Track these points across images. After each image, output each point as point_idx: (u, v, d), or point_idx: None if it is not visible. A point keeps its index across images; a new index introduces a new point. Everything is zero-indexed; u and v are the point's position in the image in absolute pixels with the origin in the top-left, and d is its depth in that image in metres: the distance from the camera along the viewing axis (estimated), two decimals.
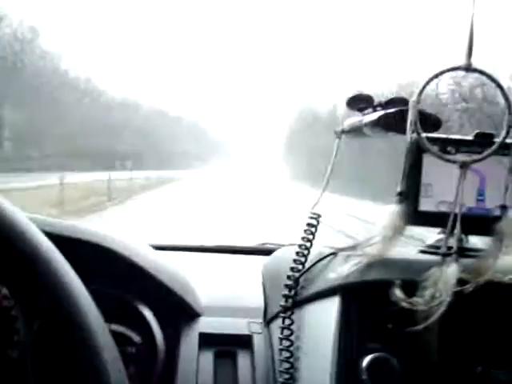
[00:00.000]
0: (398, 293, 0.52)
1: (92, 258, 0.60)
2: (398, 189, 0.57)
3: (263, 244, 1.12)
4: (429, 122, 0.61)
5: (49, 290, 0.36)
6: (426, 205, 0.58)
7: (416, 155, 0.57)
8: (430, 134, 0.57)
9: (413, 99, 0.56)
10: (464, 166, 0.54)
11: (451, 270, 0.52)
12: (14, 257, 0.36)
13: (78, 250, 0.57)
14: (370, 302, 0.56)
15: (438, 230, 0.60)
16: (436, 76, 0.55)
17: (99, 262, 0.61)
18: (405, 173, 0.57)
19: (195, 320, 0.67)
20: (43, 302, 0.36)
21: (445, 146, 0.57)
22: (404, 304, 0.51)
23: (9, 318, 0.54)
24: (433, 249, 0.60)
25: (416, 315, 0.51)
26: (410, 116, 0.55)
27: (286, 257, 0.65)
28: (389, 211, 0.56)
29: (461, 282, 0.52)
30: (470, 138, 0.59)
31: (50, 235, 0.39)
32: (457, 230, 0.54)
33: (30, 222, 0.37)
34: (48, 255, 0.37)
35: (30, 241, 0.36)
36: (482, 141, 0.57)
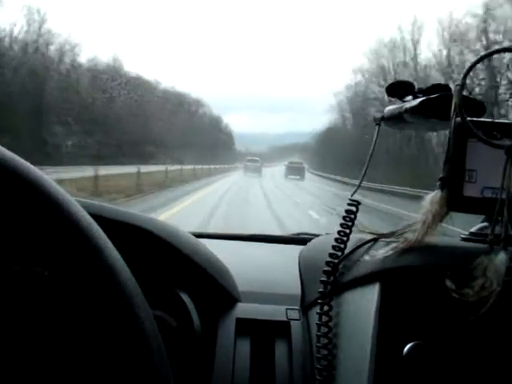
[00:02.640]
0: (448, 283, 0.52)
1: (133, 240, 0.62)
2: (441, 174, 0.57)
3: (298, 234, 1.14)
4: (472, 107, 0.61)
5: (95, 271, 0.37)
6: (470, 191, 0.57)
7: (460, 140, 0.57)
8: (475, 119, 0.57)
9: (457, 82, 0.56)
10: (510, 150, 0.54)
11: (500, 259, 0.52)
12: (60, 239, 0.37)
13: (118, 231, 0.60)
14: (411, 289, 0.56)
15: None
16: (482, 58, 0.55)
17: (140, 245, 0.63)
18: (448, 158, 0.57)
19: (233, 306, 0.69)
20: (87, 283, 0.36)
21: (490, 130, 0.56)
22: (454, 294, 0.51)
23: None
24: (477, 237, 0.60)
25: (461, 304, 0.51)
26: (455, 99, 0.55)
27: (323, 245, 0.66)
28: (431, 197, 0.57)
29: (509, 270, 0.51)
30: None
31: (96, 217, 0.40)
32: (504, 217, 0.54)
33: (78, 204, 0.39)
34: (99, 241, 0.38)
35: (78, 222, 0.37)
36: None
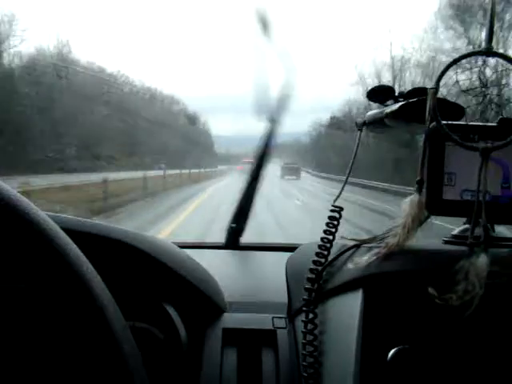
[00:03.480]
0: (430, 290, 0.52)
1: (115, 254, 0.63)
2: (417, 177, 0.58)
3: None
4: (451, 110, 0.62)
5: (69, 288, 0.38)
6: (449, 194, 0.58)
7: (437, 143, 0.58)
8: (452, 122, 0.58)
9: (431, 86, 0.57)
10: (485, 152, 0.55)
11: (481, 261, 0.52)
12: (34, 254, 0.37)
13: (101, 247, 0.60)
14: (394, 294, 0.57)
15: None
16: (455, 62, 0.56)
17: (122, 259, 0.64)
18: (423, 161, 0.58)
19: (219, 316, 0.70)
20: (62, 299, 0.37)
21: (467, 133, 0.57)
22: (437, 301, 0.51)
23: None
24: (458, 239, 0.61)
25: (445, 308, 0.51)
26: (429, 102, 0.56)
27: (310, 252, 0.66)
28: (409, 200, 0.58)
29: (491, 273, 0.51)
30: (493, 124, 0.59)
31: (73, 232, 0.41)
32: (482, 219, 0.54)
33: (49, 219, 0.39)
34: (69, 253, 0.39)
35: (52, 238, 0.38)
36: (506, 127, 0.57)
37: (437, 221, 0.62)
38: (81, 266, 0.39)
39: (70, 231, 0.41)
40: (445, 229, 0.67)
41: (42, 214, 0.39)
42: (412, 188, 0.58)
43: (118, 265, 0.62)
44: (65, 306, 0.38)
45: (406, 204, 0.58)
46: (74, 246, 0.40)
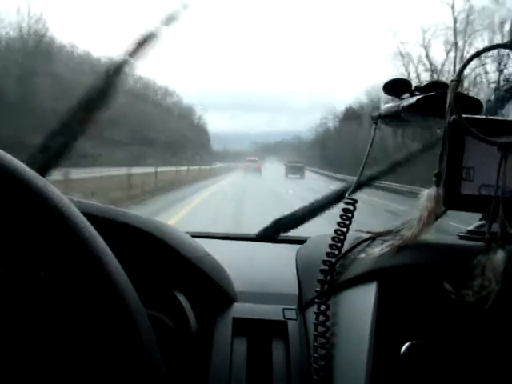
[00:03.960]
0: (446, 285, 0.52)
1: (128, 240, 0.63)
2: (435, 170, 0.58)
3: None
4: (469, 104, 0.62)
5: (88, 274, 0.38)
6: (467, 188, 0.58)
7: (456, 137, 0.58)
8: (471, 116, 0.57)
9: (452, 79, 0.56)
10: (505, 147, 0.55)
11: (498, 257, 0.52)
12: (54, 240, 0.38)
13: (116, 232, 0.60)
14: (408, 287, 0.57)
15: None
16: (477, 54, 0.56)
17: (137, 246, 0.64)
18: (442, 155, 0.57)
19: (229, 305, 0.70)
20: (81, 285, 0.38)
21: (487, 127, 0.57)
22: (453, 296, 0.52)
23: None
24: (474, 235, 0.61)
25: (459, 303, 0.51)
26: (449, 96, 0.56)
27: (321, 244, 0.66)
28: (427, 193, 0.57)
29: (508, 269, 0.51)
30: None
31: (91, 217, 0.41)
32: (500, 215, 0.54)
33: (72, 204, 0.40)
34: (88, 238, 0.39)
35: (72, 223, 0.38)
36: None
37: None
38: (101, 253, 0.39)
39: (86, 215, 0.41)
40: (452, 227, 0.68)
41: (64, 199, 0.40)
42: (421, 188, 0.58)
43: (130, 250, 0.61)
44: (84, 292, 0.38)
45: (423, 197, 0.58)
46: (94, 230, 0.40)
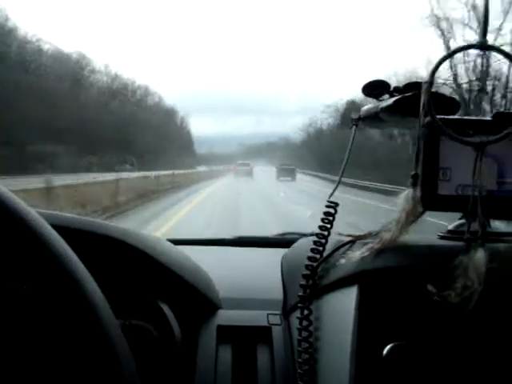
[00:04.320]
0: (429, 287, 0.52)
1: (109, 252, 0.63)
2: (412, 172, 0.58)
3: (283, 234, 1.14)
4: (446, 104, 0.63)
5: (59, 285, 0.38)
6: (444, 189, 0.58)
7: (432, 138, 0.58)
8: (446, 116, 0.58)
9: (425, 80, 0.57)
10: (480, 146, 0.55)
11: (479, 257, 0.52)
12: (26, 254, 0.38)
13: (97, 245, 0.60)
14: (389, 290, 0.57)
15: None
16: (450, 55, 0.57)
17: (116, 257, 0.63)
18: (418, 156, 0.58)
19: (213, 313, 0.70)
20: (54, 297, 0.38)
21: (463, 127, 0.57)
22: (436, 298, 0.52)
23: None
24: (454, 234, 0.61)
25: (442, 304, 0.51)
26: (423, 97, 0.56)
27: (305, 247, 0.66)
28: (404, 195, 0.58)
29: (489, 268, 0.51)
30: (488, 118, 0.59)
31: (63, 229, 0.41)
32: (478, 214, 0.54)
33: (40, 217, 0.40)
34: (58, 251, 0.39)
35: (42, 236, 0.39)
36: (502, 121, 0.57)
37: (430, 217, 0.62)
38: (71, 265, 0.39)
39: (61, 228, 0.41)
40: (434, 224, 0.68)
41: (31, 211, 0.40)
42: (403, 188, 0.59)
43: (111, 262, 0.61)
44: (56, 306, 0.38)
45: (401, 199, 0.58)
46: (64, 243, 0.40)
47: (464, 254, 0.53)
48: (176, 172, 19.00)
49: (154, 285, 0.66)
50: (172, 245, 0.74)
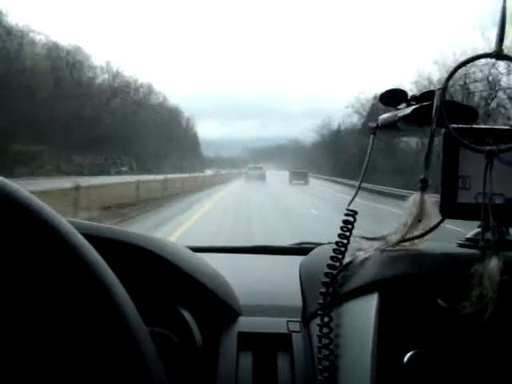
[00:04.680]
0: (439, 301, 0.53)
1: (130, 259, 0.64)
2: (421, 176, 0.59)
3: (299, 244, 1.15)
4: (463, 113, 0.63)
5: (90, 294, 0.39)
6: (464, 197, 0.59)
7: (451, 146, 0.58)
8: (464, 126, 0.58)
9: (439, 87, 0.57)
10: (490, 155, 0.55)
11: (493, 265, 0.53)
12: (55, 261, 0.39)
13: (118, 252, 0.61)
14: (409, 297, 0.58)
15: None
16: (464, 63, 0.57)
17: (137, 264, 0.64)
18: (427, 161, 0.58)
19: (234, 320, 0.71)
20: (84, 305, 0.39)
21: (481, 136, 0.58)
22: (449, 309, 0.52)
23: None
24: (471, 242, 0.62)
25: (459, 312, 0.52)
26: (436, 103, 0.57)
27: (323, 255, 0.67)
28: (412, 198, 0.59)
29: (505, 280, 0.52)
30: (507, 127, 0.60)
31: (91, 237, 0.42)
32: (491, 222, 0.55)
33: (70, 225, 0.41)
34: (89, 258, 0.40)
35: (71, 244, 0.39)
36: None
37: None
38: (101, 272, 0.40)
39: (87, 236, 0.42)
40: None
41: (62, 219, 0.41)
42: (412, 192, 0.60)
43: (133, 269, 0.62)
44: (86, 314, 0.39)
45: (409, 203, 0.59)
46: (94, 251, 0.41)
47: (479, 263, 0.53)
48: (177, 176, 17.03)
49: (176, 291, 0.67)
50: (191, 251, 0.75)
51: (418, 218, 0.58)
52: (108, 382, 0.38)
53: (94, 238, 0.42)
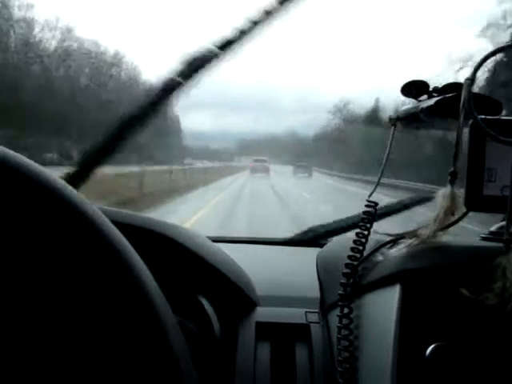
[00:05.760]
0: (463, 290, 0.53)
1: (154, 246, 0.63)
2: (450, 169, 0.58)
3: (306, 232, 1.15)
4: (488, 105, 0.63)
5: (121, 284, 0.39)
6: (490, 189, 0.59)
7: (477, 138, 0.58)
8: (491, 117, 0.58)
9: (467, 77, 0.57)
10: None
11: None
12: (84, 250, 0.39)
13: (141, 238, 0.61)
14: (431, 289, 0.58)
15: None
16: (493, 53, 0.57)
17: (160, 251, 0.64)
18: (457, 153, 0.58)
19: (252, 310, 0.71)
20: (114, 295, 0.39)
21: (509, 128, 0.57)
22: (472, 299, 0.52)
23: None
24: (495, 235, 0.62)
25: (483, 304, 0.52)
26: (463, 94, 0.56)
27: (341, 246, 0.67)
28: (442, 192, 0.58)
29: None
30: None
31: (117, 224, 0.42)
32: None
33: (100, 212, 0.40)
34: (121, 247, 0.40)
35: (103, 232, 0.39)
36: None
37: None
38: (132, 261, 0.40)
39: (115, 223, 0.42)
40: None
41: (93, 206, 0.40)
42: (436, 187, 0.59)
43: (155, 256, 0.62)
44: (117, 302, 0.39)
45: (439, 196, 0.59)
46: (125, 239, 0.41)
47: (503, 255, 0.53)
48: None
49: (195, 280, 0.67)
50: (210, 241, 0.75)
51: (452, 211, 0.58)
52: (139, 370, 0.38)
53: (120, 225, 0.42)
